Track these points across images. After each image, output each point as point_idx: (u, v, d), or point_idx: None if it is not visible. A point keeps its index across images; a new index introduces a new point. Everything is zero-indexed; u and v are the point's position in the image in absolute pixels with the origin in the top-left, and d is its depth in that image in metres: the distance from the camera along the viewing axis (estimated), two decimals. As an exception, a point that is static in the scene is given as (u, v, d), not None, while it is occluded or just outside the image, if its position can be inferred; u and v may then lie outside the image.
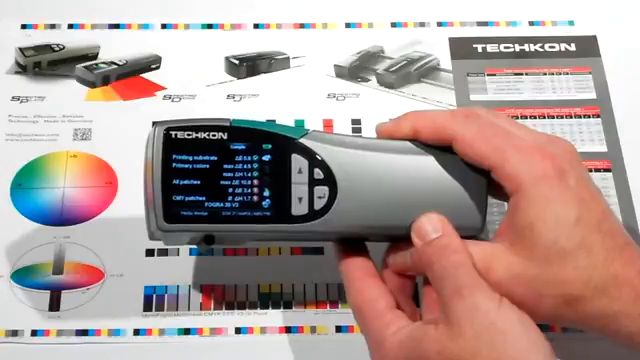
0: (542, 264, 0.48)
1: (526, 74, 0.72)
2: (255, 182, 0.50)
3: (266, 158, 0.50)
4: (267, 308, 0.61)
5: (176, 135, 0.49)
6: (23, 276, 0.62)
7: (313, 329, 0.61)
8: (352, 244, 0.53)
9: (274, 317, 0.61)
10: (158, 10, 0.75)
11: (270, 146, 0.50)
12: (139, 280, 0.62)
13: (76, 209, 0.65)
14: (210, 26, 0.74)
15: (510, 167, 0.49)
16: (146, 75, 0.72)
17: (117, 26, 0.74)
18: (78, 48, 0.72)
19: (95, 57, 0.72)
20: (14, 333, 0.60)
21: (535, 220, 0.48)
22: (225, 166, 0.50)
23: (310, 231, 0.50)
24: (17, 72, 0.71)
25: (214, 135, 0.50)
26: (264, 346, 0.60)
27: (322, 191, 0.50)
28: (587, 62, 0.73)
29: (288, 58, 0.73)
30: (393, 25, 0.75)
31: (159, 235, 0.50)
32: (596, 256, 0.48)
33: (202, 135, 0.50)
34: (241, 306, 0.61)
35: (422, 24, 0.75)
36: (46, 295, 0.61)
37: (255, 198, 0.50)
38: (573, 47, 0.73)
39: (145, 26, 0.74)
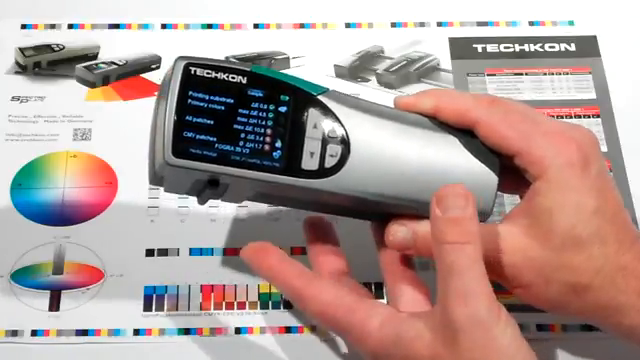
0: (557, 250, 0.49)
1: (526, 74, 0.72)
2: (268, 131, 0.49)
3: (282, 109, 0.50)
4: (267, 308, 0.61)
5: (195, 72, 0.49)
6: (23, 276, 0.62)
7: (313, 329, 0.61)
8: (277, 255, 0.52)
9: (274, 317, 0.61)
10: (158, 10, 0.75)
11: (288, 98, 0.50)
12: (139, 280, 0.62)
13: (76, 209, 0.65)
14: (210, 26, 0.74)
15: (536, 152, 0.49)
16: (146, 75, 0.72)
17: (117, 26, 0.74)
18: (78, 48, 0.72)
19: (95, 57, 0.72)
20: (14, 333, 0.60)
21: (555, 206, 0.49)
22: (240, 111, 0.49)
23: (317, 189, 0.50)
24: (17, 72, 0.71)
25: (233, 78, 0.49)
26: (264, 346, 0.60)
27: (335, 150, 0.50)
28: (587, 62, 0.73)
29: (288, 58, 0.73)
30: (393, 25, 0.75)
31: (165, 172, 0.49)
32: (610, 247, 0.49)
33: (222, 76, 0.49)
34: (241, 306, 0.61)
35: (422, 24, 0.75)
36: (46, 295, 0.61)
37: (266, 147, 0.49)
38: (573, 47, 0.73)
39: (145, 26, 0.74)
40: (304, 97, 0.50)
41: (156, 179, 0.51)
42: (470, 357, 0.45)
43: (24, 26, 0.73)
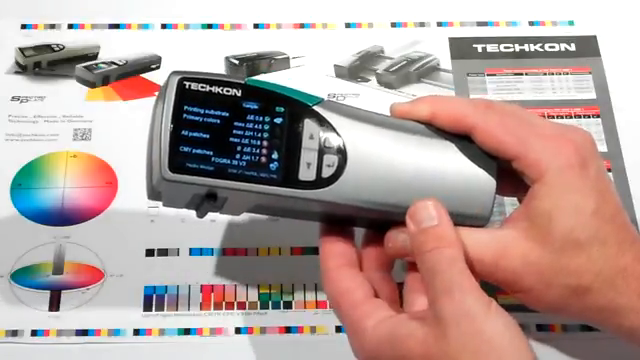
0: (557, 253, 0.49)
1: (526, 74, 0.72)
2: (265, 143, 0.49)
3: (278, 121, 0.50)
4: (267, 308, 0.61)
5: (190, 86, 0.49)
6: (23, 276, 0.62)
7: (313, 329, 0.61)
8: (337, 228, 0.53)
9: (274, 317, 0.61)
10: (158, 10, 0.75)
11: (283, 109, 0.50)
12: (139, 280, 0.62)
13: (76, 209, 0.65)
14: (210, 26, 0.74)
15: (534, 155, 0.49)
16: (146, 75, 0.72)
17: (117, 26, 0.74)
18: (78, 48, 0.72)
19: (95, 57, 0.72)
20: (14, 333, 0.60)
21: (553, 208, 0.49)
22: (236, 124, 0.49)
23: (314, 199, 0.50)
24: (17, 72, 0.71)
25: (228, 91, 0.49)
26: (264, 346, 0.60)
27: (331, 160, 0.50)
28: (587, 62, 0.73)
29: (288, 58, 0.73)
30: (393, 25, 0.75)
31: (162, 187, 0.49)
32: (609, 248, 0.49)
33: (216, 89, 0.49)
34: (241, 306, 0.61)
35: (422, 24, 0.75)
36: (46, 295, 0.61)
37: (263, 159, 0.49)
38: (573, 47, 0.73)
39: (145, 26, 0.74)
40: (299, 108, 0.50)
41: (154, 194, 0.51)
42: (460, 350, 0.45)
43: (24, 26, 0.73)
